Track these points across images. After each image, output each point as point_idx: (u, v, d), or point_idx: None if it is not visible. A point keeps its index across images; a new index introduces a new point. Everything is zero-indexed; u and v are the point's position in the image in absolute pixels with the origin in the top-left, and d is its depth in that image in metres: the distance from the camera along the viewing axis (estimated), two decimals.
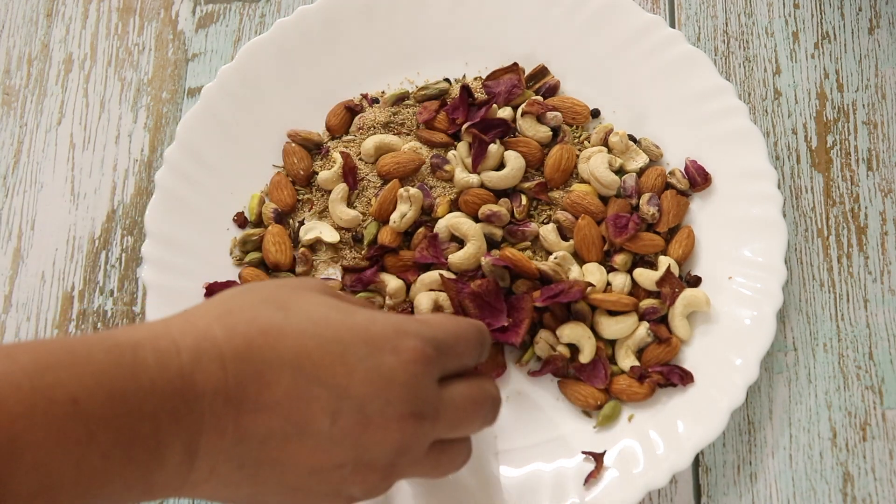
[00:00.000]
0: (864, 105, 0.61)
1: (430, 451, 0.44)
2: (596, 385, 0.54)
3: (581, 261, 0.57)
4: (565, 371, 0.55)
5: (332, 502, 0.43)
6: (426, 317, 0.48)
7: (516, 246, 0.57)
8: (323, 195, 0.60)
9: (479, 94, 0.61)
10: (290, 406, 0.39)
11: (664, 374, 0.54)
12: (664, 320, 0.56)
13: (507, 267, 0.55)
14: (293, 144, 0.61)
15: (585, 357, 0.54)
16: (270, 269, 0.58)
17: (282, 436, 0.40)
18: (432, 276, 0.56)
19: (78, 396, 0.35)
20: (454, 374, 0.45)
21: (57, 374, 0.35)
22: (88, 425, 0.35)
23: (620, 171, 0.58)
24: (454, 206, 0.58)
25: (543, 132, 0.59)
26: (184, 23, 0.68)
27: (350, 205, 0.59)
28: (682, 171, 0.58)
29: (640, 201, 0.57)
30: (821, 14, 0.64)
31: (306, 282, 0.46)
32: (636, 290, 0.56)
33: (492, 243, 0.57)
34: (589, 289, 0.54)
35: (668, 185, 0.58)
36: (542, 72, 0.62)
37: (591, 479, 0.52)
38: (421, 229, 0.57)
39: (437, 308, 0.55)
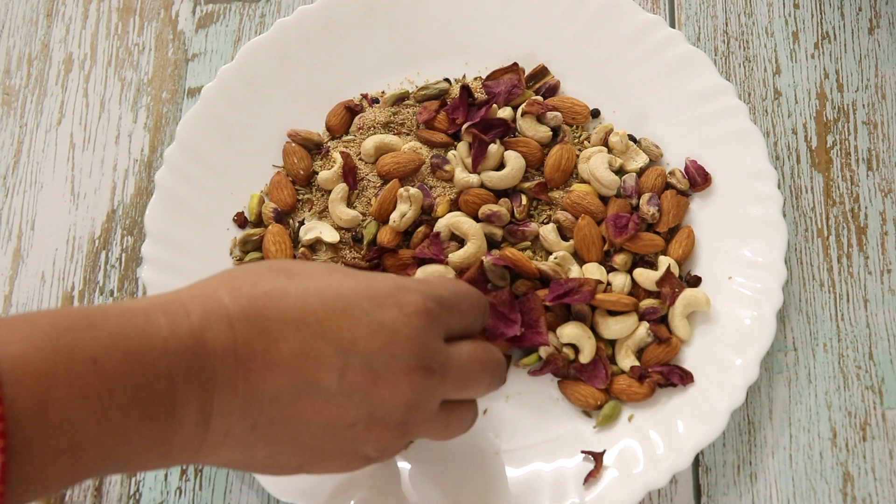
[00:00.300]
0: (864, 105, 0.61)
1: (440, 411, 0.44)
2: (596, 385, 0.54)
3: (581, 261, 0.57)
4: (566, 371, 0.55)
5: (348, 461, 0.44)
6: (426, 277, 0.48)
7: (516, 246, 0.57)
8: (323, 195, 0.60)
9: (479, 94, 0.61)
10: (297, 363, 0.40)
11: (664, 374, 0.54)
12: (664, 320, 0.56)
13: (507, 267, 0.55)
14: (293, 144, 0.61)
15: (585, 357, 0.54)
16: None
17: (292, 393, 0.40)
18: (432, 269, 0.56)
19: (96, 356, 0.36)
20: (460, 335, 0.46)
21: (76, 336, 0.36)
22: (108, 383, 0.36)
23: (620, 171, 0.58)
24: (454, 205, 0.58)
25: (543, 132, 0.59)
26: (184, 23, 0.68)
27: (350, 205, 0.59)
28: (682, 171, 0.58)
29: (640, 201, 0.57)
30: (821, 14, 0.64)
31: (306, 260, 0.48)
32: (636, 290, 0.56)
33: (492, 243, 0.57)
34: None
35: (668, 185, 0.58)
36: (542, 72, 0.62)
37: (590, 478, 0.52)
38: (421, 228, 0.57)
39: None
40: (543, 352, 0.55)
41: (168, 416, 0.38)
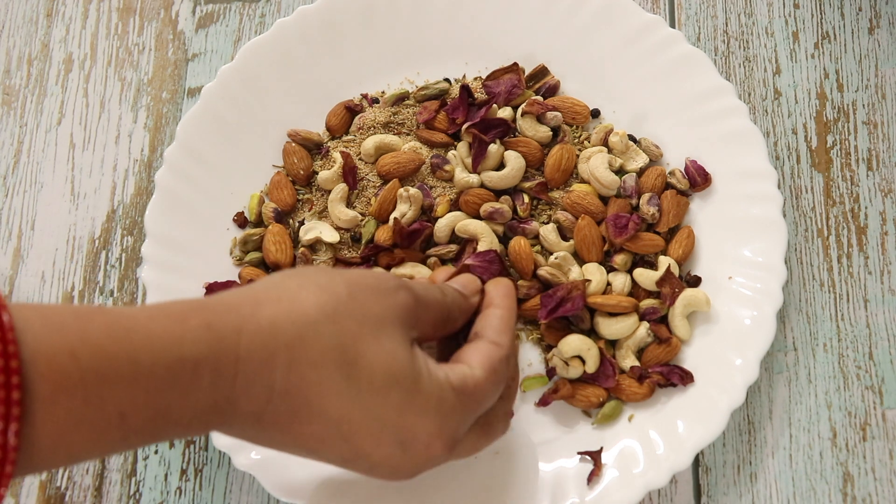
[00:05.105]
0: (864, 105, 0.61)
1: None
2: (606, 385, 0.54)
3: (581, 261, 0.57)
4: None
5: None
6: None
7: None
8: (323, 195, 0.60)
9: (479, 94, 0.61)
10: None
11: (664, 374, 0.54)
12: (664, 320, 0.56)
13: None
14: (293, 144, 0.61)
15: (591, 367, 0.54)
16: (271, 268, 0.58)
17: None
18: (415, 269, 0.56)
19: (124, 410, 0.36)
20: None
21: (112, 389, 0.36)
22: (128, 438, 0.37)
23: (620, 171, 0.58)
24: (454, 205, 0.58)
25: (543, 132, 0.59)
26: (184, 23, 0.68)
27: (350, 205, 0.59)
28: (682, 171, 0.58)
29: (640, 201, 0.57)
30: (821, 14, 0.64)
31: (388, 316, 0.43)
32: (636, 290, 0.56)
33: None
34: (589, 289, 0.54)
35: (668, 185, 0.58)
36: (542, 72, 0.62)
37: (593, 477, 0.52)
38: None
39: None
40: (554, 365, 0.55)
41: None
